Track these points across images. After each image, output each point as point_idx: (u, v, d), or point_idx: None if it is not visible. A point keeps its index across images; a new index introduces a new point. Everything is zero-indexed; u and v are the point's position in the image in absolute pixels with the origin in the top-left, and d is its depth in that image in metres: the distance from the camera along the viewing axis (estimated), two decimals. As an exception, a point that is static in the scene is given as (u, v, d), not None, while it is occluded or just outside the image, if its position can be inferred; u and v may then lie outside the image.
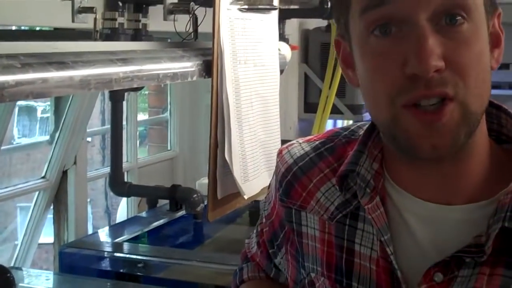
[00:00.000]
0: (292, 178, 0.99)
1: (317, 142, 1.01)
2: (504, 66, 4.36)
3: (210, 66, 1.80)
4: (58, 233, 2.85)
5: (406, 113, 0.79)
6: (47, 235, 3.14)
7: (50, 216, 2.85)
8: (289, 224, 0.99)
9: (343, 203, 0.92)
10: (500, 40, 0.85)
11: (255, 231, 1.15)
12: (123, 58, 1.56)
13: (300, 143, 1.03)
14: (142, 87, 2.68)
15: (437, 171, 0.83)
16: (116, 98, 2.65)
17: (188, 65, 1.78)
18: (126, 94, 2.73)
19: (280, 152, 1.04)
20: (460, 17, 0.77)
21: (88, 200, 3.38)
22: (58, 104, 2.82)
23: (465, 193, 0.84)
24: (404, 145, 0.81)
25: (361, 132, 0.96)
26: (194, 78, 1.79)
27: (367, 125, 0.95)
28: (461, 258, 0.80)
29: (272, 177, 1.07)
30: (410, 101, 0.78)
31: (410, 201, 0.86)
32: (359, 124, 1.01)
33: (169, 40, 2.54)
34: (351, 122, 4.73)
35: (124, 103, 2.81)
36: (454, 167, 0.83)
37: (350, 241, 0.90)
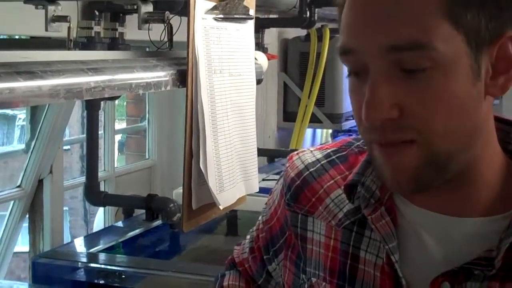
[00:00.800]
0: (302, 183, 0.99)
1: (329, 151, 1.02)
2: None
3: (184, 76, 1.79)
4: (33, 243, 2.82)
5: (375, 148, 0.80)
6: (25, 244, 3.11)
7: (26, 225, 2.82)
8: (293, 228, 1.00)
9: (352, 210, 0.93)
10: (508, 65, 0.79)
11: (248, 237, 1.15)
12: (94, 68, 1.54)
13: (311, 150, 1.04)
14: (118, 96, 2.67)
15: (439, 191, 0.83)
16: (92, 107, 2.63)
17: (161, 75, 1.76)
18: (102, 103, 2.71)
19: (290, 158, 1.05)
20: (419, 69, 0.75)
21: (67, 208, 3.36)
22: (34, 113, 2.79)
23: (477, 207, 0.83)
24: (376, 171, 0.84)
25: None
26: (168, 88, 1.77)
27: None
28: (470, 270, 0.80)
29: (277, 182, 1.08)
30: (370, 140, 0.80)
31: (418, 213, 0.86)
32: None
33: (147, 49, 2.53)
34: (330, 131, 4.73)
35: (102, 112, 2.79)
36: (459, 189, 0.83)
37: (356, 247, 0.90)
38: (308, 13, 3.17)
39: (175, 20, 1.94)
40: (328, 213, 0.95)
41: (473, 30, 0.76)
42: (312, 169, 0.99)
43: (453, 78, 0.76)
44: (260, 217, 1.12)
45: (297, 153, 1.05)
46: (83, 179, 2.86)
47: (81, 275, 2.24)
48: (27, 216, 2.78)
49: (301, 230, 0.98)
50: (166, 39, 1.94)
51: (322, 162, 1.00)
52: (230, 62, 1.92)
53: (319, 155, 1.02)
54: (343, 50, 0.79)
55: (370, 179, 0.91)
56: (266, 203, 1.12)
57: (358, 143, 1.01)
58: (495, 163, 0.84)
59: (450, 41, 0.75)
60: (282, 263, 1.04)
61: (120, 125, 4.09)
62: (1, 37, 2.38)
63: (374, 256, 0.88)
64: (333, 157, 1.00)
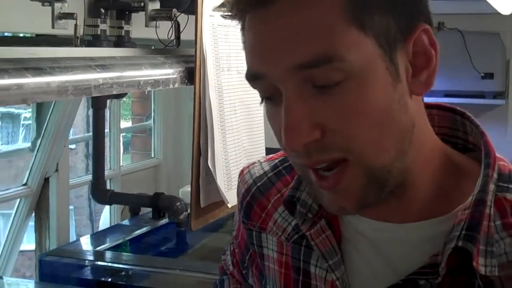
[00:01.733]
0: (251, 199, 0.96)
1: (276, 161, 0.98)
2: (488, 75, 4.37)
3: (192, 73, 1.78)
4: (39, 241, 2.82)
5: (311, 171, 0.74)
6: (30, 242, 3.10)
7: (32, 223, 2.82)
8: (251, 246, 0.97)
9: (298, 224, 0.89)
10: (429, 58, 0.74)
11: (229, 248, 1.12)
12: (102, 65, 1.53)
13: (260, 162, 0.99)
14: (124, 95, 2.66)
15: (384, 200, 0.77)
16: (98, 105, 2.62)
17: (169, 72, 1.76)
18: (108, 101, 2.71)
19: (241, 173, 1.01)
20: (331, 84, 0.70)
21: (72, 207, 3.36)
22: (40, 111, 2.79)
23: (418, 211, 0.78)
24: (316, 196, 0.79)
25: None
26: (176, 85, 1.76)
27: None
28: (415, 281, 0.75)
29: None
30: (300, 165, 0.75)
31: (361, 222, 0.82)
32: None
33: (153, 47, 2.53)
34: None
35: (107, 110, 2.79)
36: (401, 195, 0.78)
37: (306, 262, 0.87)
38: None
39: (181, 19, 1.94)
40: (277, 228, 0.91)
41: (382, 31, 0.71)
42: (259, 183, 0.95)
43: (370, 86, 0.70)
44: (232, 231, 1.09)
45: (248, 167, 1.01)
46: (89, 177, 2.86)
47: (87, 273, 2.24)
48: (33, 214, 2.78)
49: (258, 247, 0.95)
50: (173, 36, 1.94)
51: (269, 175, 0.95)
52: (238, 60, 1.91)
53: (266, 167, 0.97)
54: (250, 75, 0.74)
55: (305, 193, 0.86)
56: (233, 219, 1.09)
57: None
58: (434, 161, 0.79)
59: (359, 48, 0.70)
60: (251, 279, 1.02)
61: (125, 124, 4.08)
62: (6, 34, 2.38)
63: (323, 271, 0.84)
64: (280, 167, 0.96)
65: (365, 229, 0.82)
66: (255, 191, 0.95)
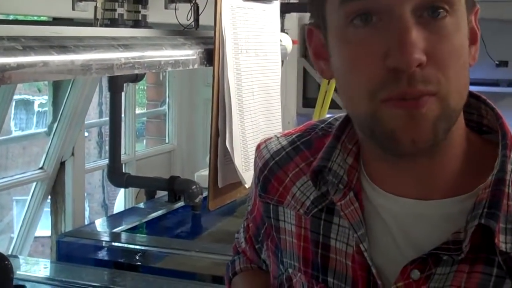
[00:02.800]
0: (268, 173, 0.96)
1: (294, 136, 0.98)
2: (503, 63, 4.36)
3: (211, 55, 1.80)
4: (55, 224, 2.84)
5: (386, 107, 0.75)
6: (43, 228, 3.13)
7: (46, 209, 2.85)
8: (268, 219, 0.98)
9: (318, 197, 0.90)
10: (476, 37, 0.81)
11: (242, 225, 1.13)
12: (125, 44, 1.55)
13: (277, 137, 1.00)
14: (141, 78, 2.69)
15: (412, 167, 0.81)
16: (115, 89, 2.64)
17: (189, 53, 1.77)
18: (125, 85, 2.73)
19: (258, 147, 1.02)
20: (442, 10, 0.74)
21: (86, 194, 3.38)
22: (56, 95, 2.81)
23: (442, 188, 0.81)
24: (383, 140, 0.78)
25: (337, 124, 0.92)
26: (196, 66, 1.78)
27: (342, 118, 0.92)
28: (438, 256, 0.78)
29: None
30: (392, 97, 0.75)
31: (383, 197, 0.83)
32: (336, 116, 0.97)
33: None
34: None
35: (123, 96, 2.81)
36: (431, 163, 0.80)
37: (326, 236, 0.88)
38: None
39: (200, 1, 1.95)
40: (295, 202, 0.92)
41: None
42: (277, 158, 0.96)
43: (462, 33, 0.77)
44: (247, 206, 1.09)
45: (264, 141, 1.02)
46: (104, 162, 2.89)
47: (104, 254, 2.26)
48: (49, 198, 2.81)
49: (274, 220, 0.96)
50: (192, 19, 1.95)
51: (287, 150, 0.96)
52: (257, 42, 1.93)
53: (284, 142, 0.98)
54: None
55: (336, 164, 0.87)
56: (249, 194, 1.09)
57: (322, 125, 0.97)
58: (462, 136, 0.83)
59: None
60: (266, 253, 1.03)
61: (139, 110, 4.10)
62: (21, 18, 2.40)
63: (344, 245, 0.86)
64: (298, 143, 0.96)
65: (387, 204, 0.83)
66: (272, 165, 0.96)
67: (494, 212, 0.76)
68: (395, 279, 0.80)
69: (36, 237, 2.95)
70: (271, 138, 1.01)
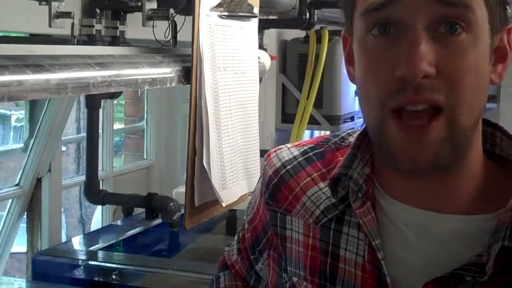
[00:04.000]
0: (279, 181, 0.98)
1: (306, 147, 1.00)
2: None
3: (189, 73, 1.79)
4: (31, 242, 2.81)
5: (392, 121, 0.78)
6: (20, 244, 3.09)
7: (23, 225, 2.81)
8: (273, 227, 0.98)
9: (329, 207, 0.91)
10: (506, 55, 0.83)
11: (236, 237, 1.14)
12: (101, 63, 1.54)
13: (288, 147, 1.02)
14: (119, 95, 2.67)
15: (424, 181, 0.82)
16: (93, 105, 2.62)
17: (167, 71, 1.76)
18: (102, 101, 2.71)
19: (268, 156, 1.03)
20: (458, 26, 0.76)
21: (62, 210, 3.35)
22: (33, 111, 2.79)
23: (459, 204, 0.82)
24: (386, 152, 0.80)
25: (351, 139, 0.95)
26: (173, 84, 1.77)
27: (359, 131, 0.94)
28: (461, 276, 0.78)
29: (258, 181, 1.06)
30: (397, 105, 0.77)
31: (397, 207, 0.85)
32: (349, 131, 1.00)
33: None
34: (328, 132, 4.74)
35: (100, 111, 2.79)
36: (443, 180, 0.82)
37: (335, 245, 0.89)
38: (307, 14, 3.18)
39: (178, 19, 1.95)
40: (305, 211, 0.93)
41: (494, 12, 0.80)
42: (289, 167, 0.98)
43: (480, 49, 0.78)
44: (245, 217, 1.10)
45: (275, 150, 1.03)
46: (81, 178, 2.86)
47: (80, 273, 2.24)
48: (25, 215, 2.78)
49: (281, 229, 0.97)
50: (170, 36, 1.95)
51: (299, 159, 0.98)
52: (234, 60, 1.92)
53: (296, 152, 1.00)
54: (380, 2, 0.78)
55: (356, 172, 0.89)
56: (249, 202, 1.10)
57: (336, 139, 0.99)
58: (480, 159, 0.84)
59: (483, 18, 0.78)
60: (266, 262, 1.03)
61: (118, 126, 4.08)
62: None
63: (354, 254, 0.87)
64: (310, 154, 0.98)
65: (400, 213, 0.84)
66: (284, 174, 0.97)
67: None
68: None
69: (12, 253, 2.92)
70: (282, 147, 1.03)
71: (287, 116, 4.04)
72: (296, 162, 0.98)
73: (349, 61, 0.89)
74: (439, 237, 0.81)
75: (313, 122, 3.91)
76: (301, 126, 3.83)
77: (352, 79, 0.88)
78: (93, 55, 1.55)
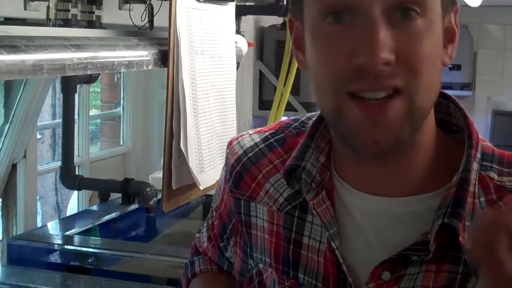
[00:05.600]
0: (241, 169, 0.97)
1: (267, 133, 1.00)
2: (456, 67, 4.44)
3: (166, 56, 1.79)
4: (6, 228, 2.79)
5: (350, 103, 0.77)
6: (-5, 231, 3.07)
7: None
8: (237, 215, 0.98)
9: (292, 194, 0.91)
10: (454, 35, 0.84)
11: (205, 225, 1.13)
12: (77, 44, 1.53)
13: (250, 134, 1.01)
14: (95, 80, 2.65)
15: (381, 165, 0.82)
16: (68, 90, 2.61)
17: (143, 54, 1.76)
18: (78, 86, 2.70)
19: (230, 143, 1.03)
20: (413, 12, 0.76)
21: (38, 197, 3.33)
22: (8, 96, 2.76)
23: (410, 186, 0.82)
24: (346, 137, 0.81)
25: (311, 123, 0.94)
26: (150, 67, 1.77)
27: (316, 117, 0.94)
28: (408, 256, 0.79)
29: (222, 169, 1.06)
30: (355, 90, 0.77)
31: (354, 195, 0.85)
32: (309, 115, 0.99)
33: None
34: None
35: (76, 97, 2.77)
36: (400, 161, 0.82)
37: (299, 233, 0.89)
38: (284, 1, 3.17)
39: (155, 3, 1.94)
40: (269, 198, 0.93)
41: None
42: (250, 154, 0.97)
43: (434, 34, 0.78)
44: (212, 204, 1.10)
45: (236, 138, 1.03)
46: (57, 164, 2.84)
47: (57, 257, 2.23)
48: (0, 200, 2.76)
49: (245, 216, 0.97)
50: (146, 20, 1.94)
51: (260, 146, 0.98)
52: (212, 44, 1.92)
53: (257, 138, 0.99)
54: None
55: (310, 163, 0.89)
56: (216, 190, 1.10)
57: (296, 124, 0.98)
58: (432, 135, 0.85)
59: (436, 0, 0.79)
60: (233, 250, 1.03)
61: (94, 112, 4.06)
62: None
63: (317, 242, 0.87)
64: (271, 140, 0.98)
65: (357, 201, 0.85)
66: (246, 161, 0.97)
67: (458, 211, 0.77)
68: (366, 279, 0.81)
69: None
70: (243, 134, 1.02)
71: (264, 102, 4.04)
72: (257, 149, 0.97)
73: (298, 46, 0.87)
74: (392, 221, 0.82)
75: (290, 109, 3.91)
76: (278, 113, 3.83)
77: (301, 64, 0.87)
78: (69, 37, 1.54)
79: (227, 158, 1.02)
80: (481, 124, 4.68)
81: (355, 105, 0.77)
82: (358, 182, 0.84)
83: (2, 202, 2.77)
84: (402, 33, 0.76)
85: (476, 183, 0.81)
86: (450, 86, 4.43)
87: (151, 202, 2.53)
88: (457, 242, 0.77)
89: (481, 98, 4.70)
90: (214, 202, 1.08)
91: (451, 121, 0.88)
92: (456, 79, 4.47)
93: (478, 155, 0.83)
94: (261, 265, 0.94)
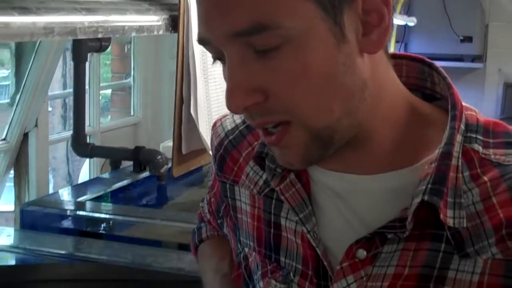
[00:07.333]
0: (224, 152, 0.96)
1: None
2: (467, 39, 4.41)
3: (176, 21, 1.79)
4: (18, 196, 2.82)
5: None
6: (7, 203, 3.10)
7: (10, 184, 2.82)
8: (225, 199, 0.97)
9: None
10: (381, 17, 0.72)
11: (206, 197, 1.12)
12: (88, 8, 1.53)
13: (233, 115, 0.98)
14: (106, 48, 2.66)
15: (345, 150, 0.77)
16: (79, 58, 2.62)
17: (154, 19, 1.76)
18: (89, 55, 2.71)
19: (214, 125, 1.01)
20: (271, 49, 0.69)
21: (49, 168, 3.35)
22: (19, 66, 2.78)
23: (382, 162, 0.78)
24: None
25: None
26: (161, 32, 1.77)
27: None
28: (383, 234, 0.75)
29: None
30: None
31: (326, 175, 0.82)
32: None
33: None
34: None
35: (87, 68, 2.79)
36: (358, 147, 0.78)
37: (277, 215, 0.87)
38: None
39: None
40: (249, 181, 0.91)
41: None
42: (231, 137, 0.95)
43: (309, 49, 0.69)
44: (209, 181, 1.08)
45: (220, 119, 1.00)
46: (68, 133, 2.86)
47: (69, 223, 2.25)
48: (12, 170, 2.78)
49: (231, 200, 0.95)
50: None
51: (240, 128, 0.95)
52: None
53: (238, 120, 0.96)
54: (199, 40, 0.74)
55: None
56: (210, 167, 1.09)
57: None
58: (396, 114, 0.78)
59: (297, 13, 0.68)
60: (226, 229, 1.02)
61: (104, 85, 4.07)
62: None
63: (293, 223, 0.84)
64: None
65: (332, 181, 0.81)
66: (227, 145, 0.96)
67: (439, 188, 0.73)
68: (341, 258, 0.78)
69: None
70: (227, 116, 0.99)
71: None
72: (237, 131, 0.95)
73: None
74: (370, 200, 0.78)
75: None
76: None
77: None
78: (80, 0, 1.55)
79: (211, 141, 1.00)
80: (492, 97, 4.66)
81: (261, 130, 0.75)
82: (329, 163, 0.80)
83: (14, 171, 2.79)
84: (265, 68, 0.69)
85: (460, 156, 0.75)
86: (461, 58, 4.41)
87: (162, 170, 2.55)
88: (438, 219, 0.72)
89: (492, 71, 4.67)
90: (209, 180, 1.07)
91: (435, 89, 0.83)
92: (467, 51, 4.45)
93: (462, 126, 0.77)
94: (246, 250, 0.93)
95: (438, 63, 0.82)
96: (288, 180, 0.83)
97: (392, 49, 4.24)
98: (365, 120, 0.75)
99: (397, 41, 4.56)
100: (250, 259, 0.92)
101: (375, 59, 0.75)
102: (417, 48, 4.48)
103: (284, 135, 0.72)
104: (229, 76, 0.70)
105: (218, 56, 0.73)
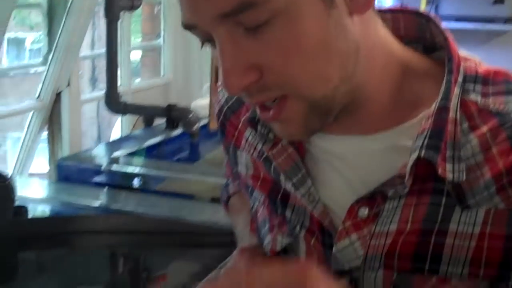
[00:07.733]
0: (224, 119, 0.95)
1: None
2: (499, 1, 4.35)
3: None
4: (52, 153, 2.87)
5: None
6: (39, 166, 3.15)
7: (43, 145, 2.86)
8: (234, 165, 0.96)
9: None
10: None
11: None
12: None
13: None
14: (137, 7, 2.68)
15: (341, 116, 0.76)
16: (112, 17, 2.64)
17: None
18: (121, 13, 2.72)
19: (216, 90, 1.00)
20: (261, 25, 0.67)
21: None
22: (51, 26, 2.80)
23: (380, 120, 0.77)
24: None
25: None
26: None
27: None
28: (384, 192, 0.74)
29: None
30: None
31: (323, 138, 0.80)
32: None
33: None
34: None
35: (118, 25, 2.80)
36: (356, 110, 0.76)
37: (277, 178, 0.85)
38: None
39: None
40: (249, 146, 0.90)
41: None
42: (230, 103, 0.94)
43: (299, 19, 0.67)
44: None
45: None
46: (99, 93, 2.89)
47: (103, 178, 2.28)
48: (45, 128, 2.82)
49: (234, 164, 0.95)
50: None
51: None
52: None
53: None
54: (185, 26, 0.71)
55: None
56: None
57: None
58: (392, 72, 0.76)
59: None
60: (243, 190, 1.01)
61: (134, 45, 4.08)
62: None
63: (292, 187, 0.83)
64: None
65: (330, 144, 0.81)
66: (226, 111, 0.94)
67: (436, 143, 0.72)
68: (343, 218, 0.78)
69: (32, 174, 2.98)
70: None
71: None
72: (235, 96, 0.93)
73: None
74: (370, 160, 0.77)
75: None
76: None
77: None
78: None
79: (213, 107, 1.00)
80: (523, 60, 4.60)
81: (259, 109, 0.74)
82: (327, 127, 0.78)
83: (48, 129, 2.84)
84: (258, 43, 0.67)
85: (457, 109, 0.74)
86: (492, 20, 4.35)
87: (194, 128, 2.56)
88: (438, 173, 0.71)
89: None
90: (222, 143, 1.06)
91: (435, 40, 0.80)
92: (499, 13, 4.38)
93: (460, 79, 0.75)
94: (256, 203, 0.92)
95: (469, 25, 0.80)
96: (280, 145, 0.82)
97: (422, 8, 4.19)
98: (361, 83, 0.74)
99: (428, 2, 4.51)
100: (258, 214, 0.92)
101: (365, 19, 0.73)
102: (447, 9, 4.42)
103: (282, 109, 0.71)
104: (221, 58, 0.68)
105: (206, 39, 0.70)
